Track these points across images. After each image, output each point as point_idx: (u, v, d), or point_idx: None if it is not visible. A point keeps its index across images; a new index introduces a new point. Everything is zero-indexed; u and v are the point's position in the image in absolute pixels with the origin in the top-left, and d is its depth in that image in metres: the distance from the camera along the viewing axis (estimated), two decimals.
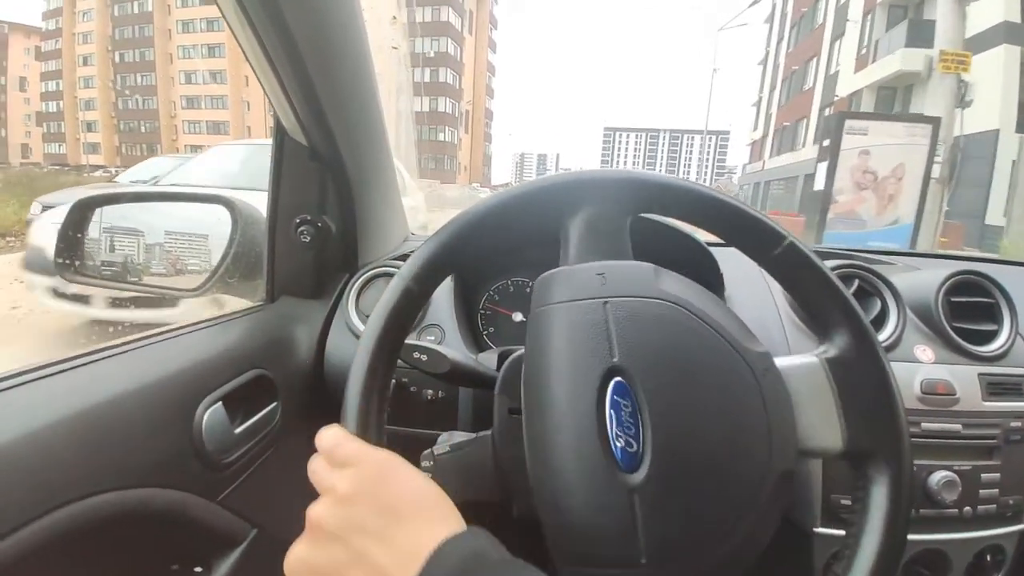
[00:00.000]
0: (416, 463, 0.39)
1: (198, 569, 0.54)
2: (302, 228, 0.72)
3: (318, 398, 0.73)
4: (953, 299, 0.72)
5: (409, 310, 0.38)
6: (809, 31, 24.56)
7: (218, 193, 0.73)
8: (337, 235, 0.78)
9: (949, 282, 0.73)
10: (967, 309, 0.73)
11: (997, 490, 0.65)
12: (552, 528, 0.33)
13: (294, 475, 0.67)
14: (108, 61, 50.03)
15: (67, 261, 0.67)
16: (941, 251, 1.48)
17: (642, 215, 0.40)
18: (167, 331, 0.58)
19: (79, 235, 0.68)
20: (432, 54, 43.76)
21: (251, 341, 0.65)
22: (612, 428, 0.32)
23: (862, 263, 0.74)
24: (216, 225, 0.71)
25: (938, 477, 0.63)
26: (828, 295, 0.38)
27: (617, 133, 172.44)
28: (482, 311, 0.89)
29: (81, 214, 0.69)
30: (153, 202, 0.82)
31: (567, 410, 0.33)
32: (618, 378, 0.33)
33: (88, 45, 51.37)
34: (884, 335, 0.69)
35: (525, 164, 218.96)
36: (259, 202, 0.74)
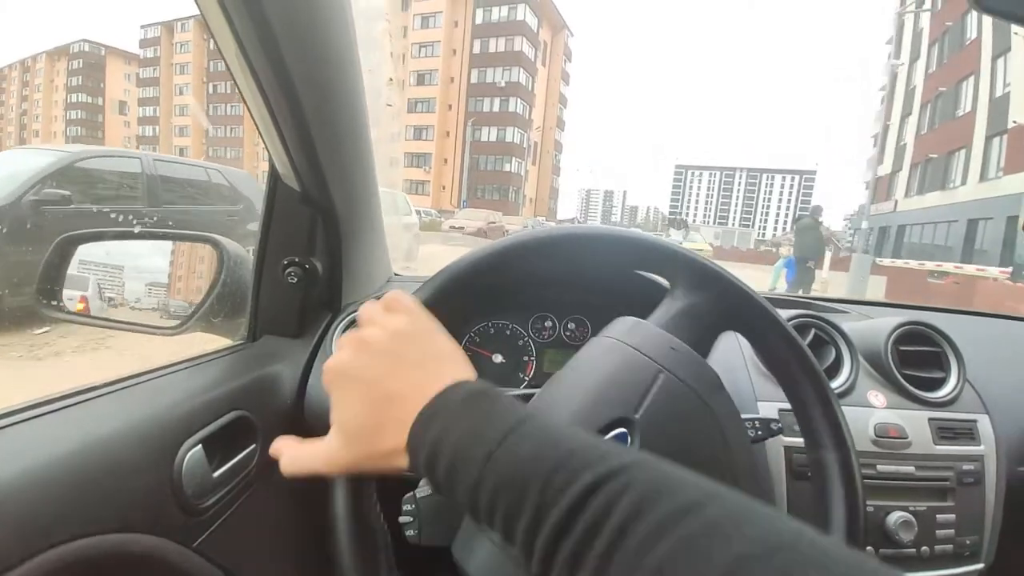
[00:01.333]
0: (398, 507, 0.43)
1: None
2: (290, 269, 0.73)
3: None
4: (902, 348, 0.76)
5: None
6: (958, 48, 19.81)
7: (206, 233, 0.73)
8: (323, 276, 0.77)
9: (897, 332, 0.76)
10: (916, 357, 0.76)
11: (953, 530, 0.67)
12: None
13: (271, 519, 0.66)
14: (203, 91, 53.14)
15: (46, 297, 0.68)
16: (888, 301, 1.44)
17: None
18: (153, 371, 0.59)
19: (60, 271, 0.68)
20: (503, 84, 42.23)
21: (232, 381, 0.64)
22: None
23: (816, 313, 0.78)
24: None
25: (895, 517, 0.65)
26: (791, 350, 0.43)
27: (689, 171, 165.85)
28: (464, 350, 0.74)
29: (64, 250, 0.69)
30: (140, 240, 0.81)
31: (572, 422, 0.36)
32: (623, 429, 0.35)
33: (184, 76, 55.02)
34: (839, 381, 0.72)
35: (591, 201, 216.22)
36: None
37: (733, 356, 0.74)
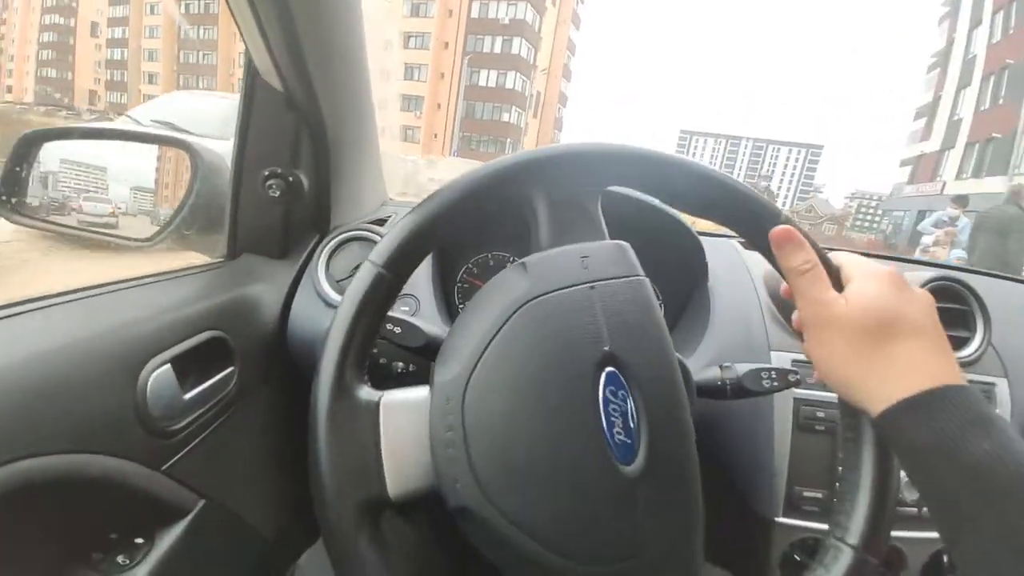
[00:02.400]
0: None
1: (139, 540, 0.51)
2: (271, 181, 0.67)
3: (279, 364, 0.69)
4: None
5: (383, 298, 0.37)
6: None
7: (178, 135, 0.70)
8: (309, 192, 0.72)
9: (930, 284, 0.73)
10: (942, 314, 0.74)
11: None
12: (540, 523, 0.31)
13: (248, 444, 0.64)
14: (176, 9, 47.75)
15: (7, 198, 0.63)
16: (928, 260, 1.54)
17: (634, 196, 0.40)
18: (117, 283, 0.55)
19: (22, 171, 0.64)
20: (507, 20, 37.76)
21: (207, 300, 0.60)
22: (606, 420, 0.31)
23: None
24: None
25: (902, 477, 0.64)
26: (822, 261, 0.37)
27: (694, 137, 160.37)
28: (459, 284, 0.84)
29: (26, 149, 0.64)
30: (107, 140, 0.77)
31: (561, 405, 0.32)
32: (610, 368, 0.33)
33: None
34: None
35: None
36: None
37: (747, 299, 0.72)
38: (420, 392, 0.36)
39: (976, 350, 0.73)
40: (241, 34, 0.58)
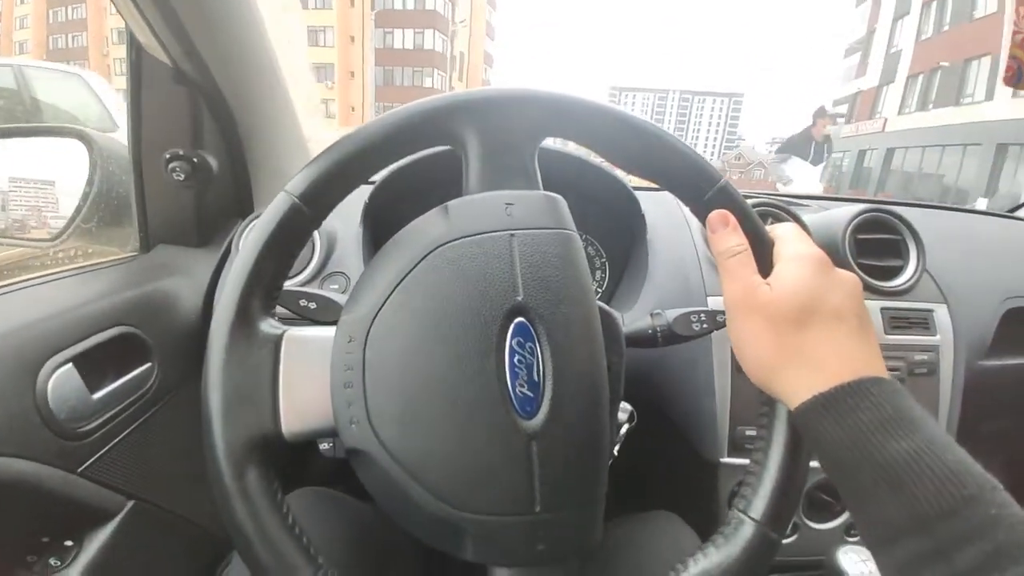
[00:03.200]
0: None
1: (69, 543, 0.51)
2: (173, 164, 0.63)
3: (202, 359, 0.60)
4: (860, 236, 0.73)
5: (298, 232, 0.35)
6: None
7: (70, 125, 0.65)
8: (223, 173, 0.69)
9: (857, 219, 0.73)
10: (874, 246, 0.74)
11: None
12: (433, 471, 0.31)
13: (177, 440, 0.61)
14: None
15: None
16: (857, 196, 1.35)
17: (570, 154, 0.38)
18: (16, 282, 0.52)
19: None
20: None
21: (116, 295, 0.57)
22: (510, 371, 0.30)
23: (773, 200, 0.76)
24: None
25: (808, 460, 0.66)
26: (760, 248, 0.36)
27: (624, 93, 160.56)
28: None
29: None
30: None
31: (464, 351, 0.30)
32: (520, 318, 0.31)
33: None
34: None
35: None
36: None
37: (684, 249, 0.72)
38: (327, 331, 0.34)
39: (911, 277, 0.73)
40: (115, 5, 0.54)
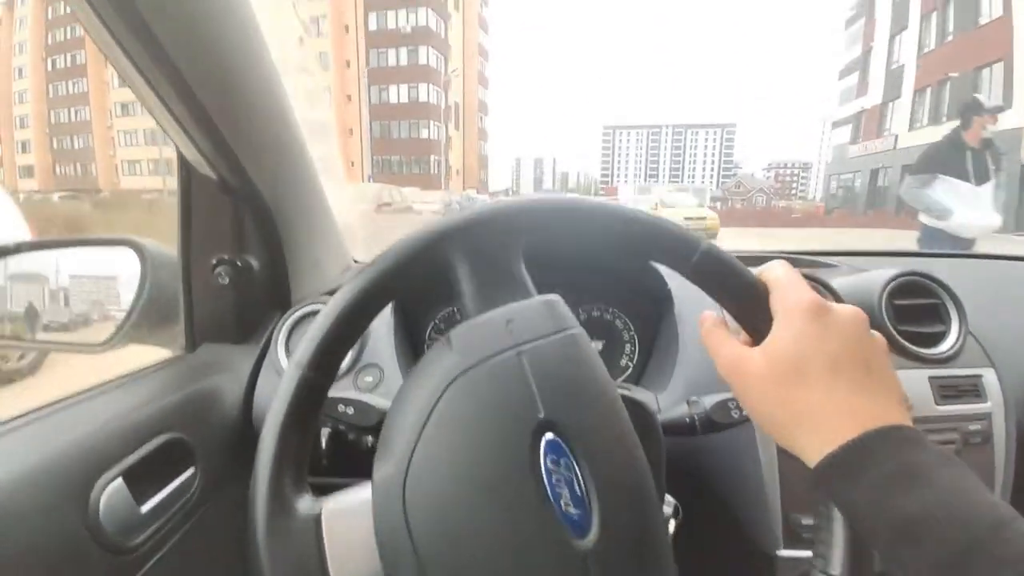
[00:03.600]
0: None
1: None
2: (219, 269, 0.67)
3: (245, 456, 0.65)
4: (897, 302, 0.71)
5: (313, 401, 0.35)
6: None
7: (123, 236, 0.68)
8: (263, 272, 0.72)
9: (891, 285, 0.71)
10: (914, 311, 0.72)
11: None
12: None
13: (218, 549, 0.61)
14: (43, 70, 41.35)
15: None
16: (886, 249, 1.24)
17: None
18: (70, 397, 0.54)
19: None
20: (409, 29, 34.86)
21: (161, 400, 0.58)
22: (552, 493, 0.29)
23: (803, 272, 0.70)
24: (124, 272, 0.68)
25: None
26: (755, 301, 0.35)
27: (617, 132, 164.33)
28: (428, 342, 0.82)
29: None
30: (53, 249, 0.76)
31: (502, 485, 0.30)
32: (548, 435, 0.30)
33: (23, 56, 42.65)
34: None
35: (522, 169, 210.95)
36: None
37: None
38: (363, 493, 0.34)
39: (954, 344, 0.70)
40: (163, 128, 0.57)
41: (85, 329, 0.71)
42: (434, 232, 0.36)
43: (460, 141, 44.52)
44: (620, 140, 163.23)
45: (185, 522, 0.56)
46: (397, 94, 35.77)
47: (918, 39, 18.48)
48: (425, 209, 12.00)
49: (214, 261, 0.67)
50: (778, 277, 0.34)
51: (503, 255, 0.36)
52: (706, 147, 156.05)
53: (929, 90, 17.77)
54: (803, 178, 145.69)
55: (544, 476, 0.29)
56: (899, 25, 19.84)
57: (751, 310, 0.35)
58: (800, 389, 0.30)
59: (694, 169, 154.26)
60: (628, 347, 0.81)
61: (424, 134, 35.97)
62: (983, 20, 15.27)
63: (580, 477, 0.30)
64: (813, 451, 0.30)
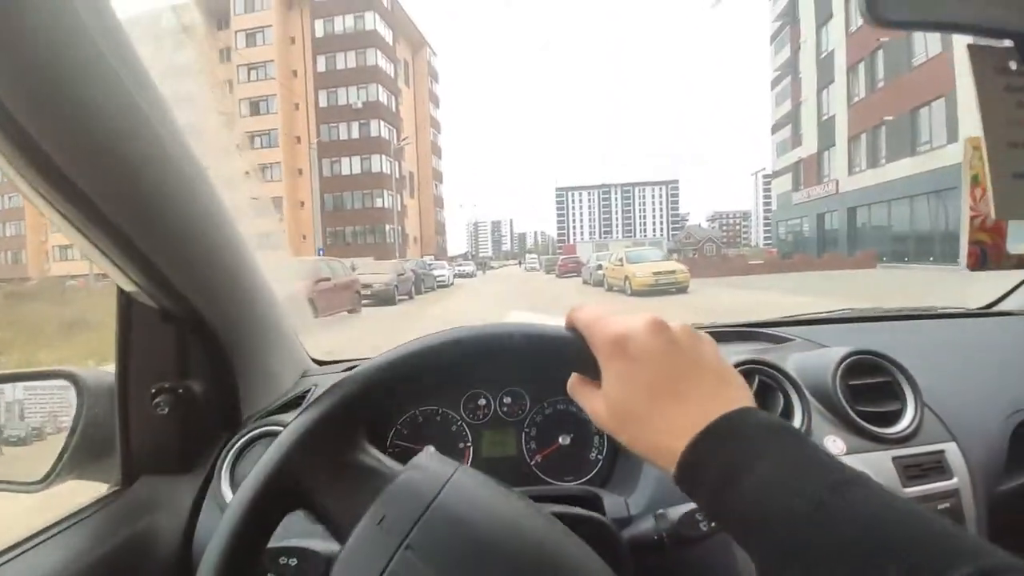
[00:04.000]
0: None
1: None
2: (159, 399, 0.63)
3: None
4: (852, 382, 0.71)
5: (248, 557, 0.33)
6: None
7: (59, 368, 0.67)
8: (208, 395, 0.67)
9: (843, 366, 0.71)
10: (869, 389, 0.71)
11: None
12: None
13: None
14: None
15: None
16: (841, 315, 1.14)
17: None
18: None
19: None
20: (360, 104, 35.20)
21: (91, 553, 0.54)
22: None
23: (759, 358, 0.72)
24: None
25: None
26: (576, 353, 0.35)
27: (570, 193, 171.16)
28: (391, 449, 0.78)
29: None
30: None
31: None
32: None
33: None
34: None
35: (480, 232, 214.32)
36: None
37: None
38: None
39: (911, 422, 0.69)
40: (93, 261, 0.55)
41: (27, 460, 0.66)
42: (280, 456, 0.33)
43: (416, 209, 44.41)
44: (573, 200, 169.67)
45: None
46: (350, 166, 35.51)
47: (846, 89, 19.71)
48: (375, 280, 10.89)
49: (154, 390, 0.62)
50: (583, 320, 0.35)
51: (346, 449, 0.34)
52: (654, 202, 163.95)
53: (864, 136, 18.70)
54: (744, 226, 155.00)
55: None
56: (826, 79, 21.29)
57: (579, 362, 0.35)
58: (635, 426, 0.32)
59: (644, 223, 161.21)
60: (596, 439, 0.79)
61: (378, 203, 35.49)
62: (918, 60, 16.12)
63: None
64: (668, 465, 0.30)
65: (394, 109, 37.80)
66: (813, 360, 0.76)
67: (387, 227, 35.53)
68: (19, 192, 0.44)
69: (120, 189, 0.46)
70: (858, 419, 0.67)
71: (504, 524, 0.31)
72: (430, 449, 0.31)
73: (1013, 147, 0.52)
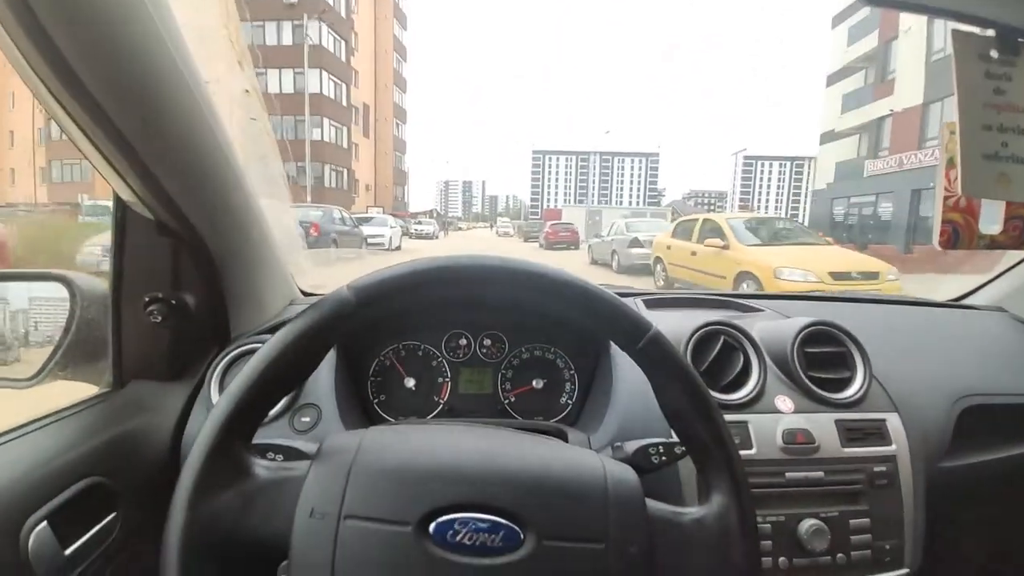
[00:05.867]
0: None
1: None
2: (152, 308, 0.65)
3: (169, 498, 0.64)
4: (809, 349, 0.77)
5: (235, 444, 0.39)
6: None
7: (53, 271, 0.69)
8: (199, 309, 0.71)
9: (801, 334, 0.78)
10: (823, 358, 0.78)
11: (870, 535, 0.68)
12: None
13: None
14: None
15: None
16: (803, 293, 1.31)
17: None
18: None
19: None
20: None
21: (86, 442, 0.58)
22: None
23: (726, 320, 0.79)
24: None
25: (807, 525, 0.65)
26: (692, 399, 0.43)
27: (547, 156, 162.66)
28: (372, 378, 0.85)
29: None
30: None
31: None
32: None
33: None
34: (747, 389, 0.73)
35: (450, 192, 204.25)
36: None
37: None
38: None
39: (859, 389, 0.74)
40: (96, 169, 0.57)
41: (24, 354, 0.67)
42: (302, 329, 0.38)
43: (370, 151, 36.38)
44: (550, 164, 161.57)
45: (104, 569, 0.55)
46: (279, 81, 27.10)
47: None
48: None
49: (147, 299, 0.65)
50: None
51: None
52: (632, 173, 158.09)
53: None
54: (719, 206, 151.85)
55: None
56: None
57: (691, 427, 0.43)
58: None
59: (621, 194, 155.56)
60: (568, 386, 0.86)
61: (316, 135, 27.48)
62: None
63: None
64: None
65: (343, 13, 29.29)
66: (776, 327, 0.82)
67: (326, 167, 27.73)
68: (34, 95, 0.46)
69: (127, 95, 0.48)
70: (808, 383, 0.74)
71: (423, 443, 0.38)
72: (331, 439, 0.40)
73: (986, 129, 0.58)
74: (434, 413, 0.83)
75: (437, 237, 27.20)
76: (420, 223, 27.76)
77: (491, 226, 63.27)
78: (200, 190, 0.62)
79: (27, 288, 0.72)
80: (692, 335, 0.77)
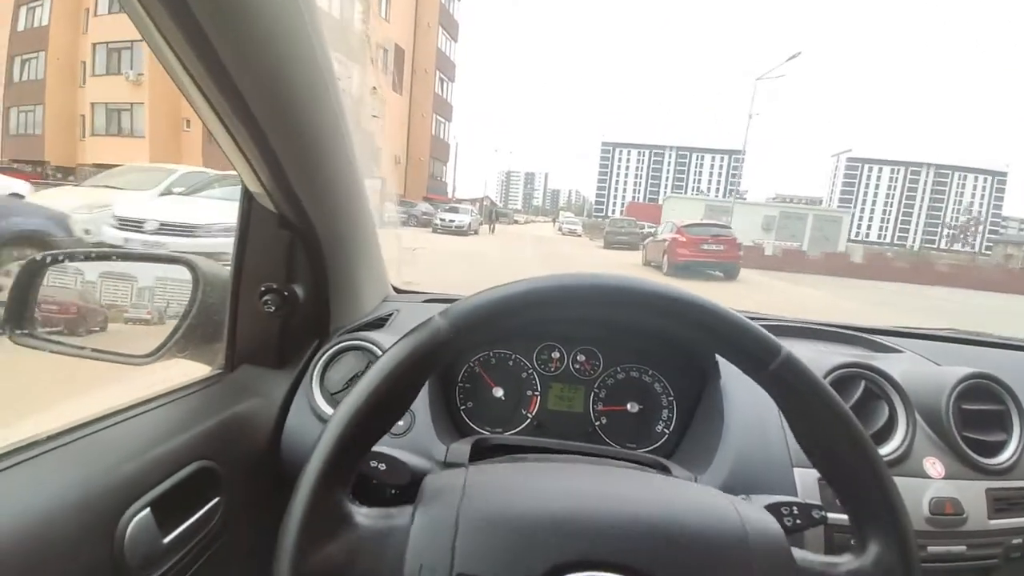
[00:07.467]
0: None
1: None
2: (267, 297, 0.69)
3: (270, 485, 0.68)
4: (964, 407, 0.70)
5: (349, 457, 0.37)
6: None
7: (180, 254, 0.72)
8: (306, 302, 0.74)
9: (960, 387, 0.70)
10: (978, 416, 0.70)
11: None
12: None
13: (239, 574, 0.63)
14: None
15: (15, 323, 0.65)
16: (942, 330, 1.07)
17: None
18: (108, 416, 0.53)
19: (29, 295, 0.66)
20: None
21: (197, 426, 0.59)
22: None
23: (866, 362, 0.71)
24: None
25: None
26: (838, 427, 0.36)
27: (617, 149, 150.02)
28: (460, 384, 0.84)
29: (32, 274, 0.66)
30: (112, 261, 0.80)
31: None
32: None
33: None
34: (892, 445, 0.67)
35: (511, 183, 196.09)
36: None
37: (766, 409, 0.65)
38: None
39: (1013, 454, 0.68)
40: (231, 162, 0.60)
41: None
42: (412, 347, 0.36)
43: (403, 111, 27.47)
44: (620, 157, 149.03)
45: (204, 552, 0.55)
46: None
47: None
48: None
49: (263, 288, 0.68)
50: None
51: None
52: (711, 172, 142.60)
53: None
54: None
55: None
56: None
57: (832, 443, 0.36)
58: None
59: (698, 192, 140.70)
60: (665, 413, 0.79)
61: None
62: None
63: None
64: None
65: None
66: (925, 375, 0.74)
67: None
68: (177, 86, 0.47)
69: (270, 90, 0.50)
70: (963, 445, 0.67)
71: (532, 485, 0.36)
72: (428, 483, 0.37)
73: None
74: (521, 427, 0.80)
75: (473, 233, 17.79)
76: (445, 213, 18.01)
77: (553, 220, 53.28)
78: (322, 186, 0.65)
79: (156, 269, 0.77)
80: (828, 375, 0.69)
